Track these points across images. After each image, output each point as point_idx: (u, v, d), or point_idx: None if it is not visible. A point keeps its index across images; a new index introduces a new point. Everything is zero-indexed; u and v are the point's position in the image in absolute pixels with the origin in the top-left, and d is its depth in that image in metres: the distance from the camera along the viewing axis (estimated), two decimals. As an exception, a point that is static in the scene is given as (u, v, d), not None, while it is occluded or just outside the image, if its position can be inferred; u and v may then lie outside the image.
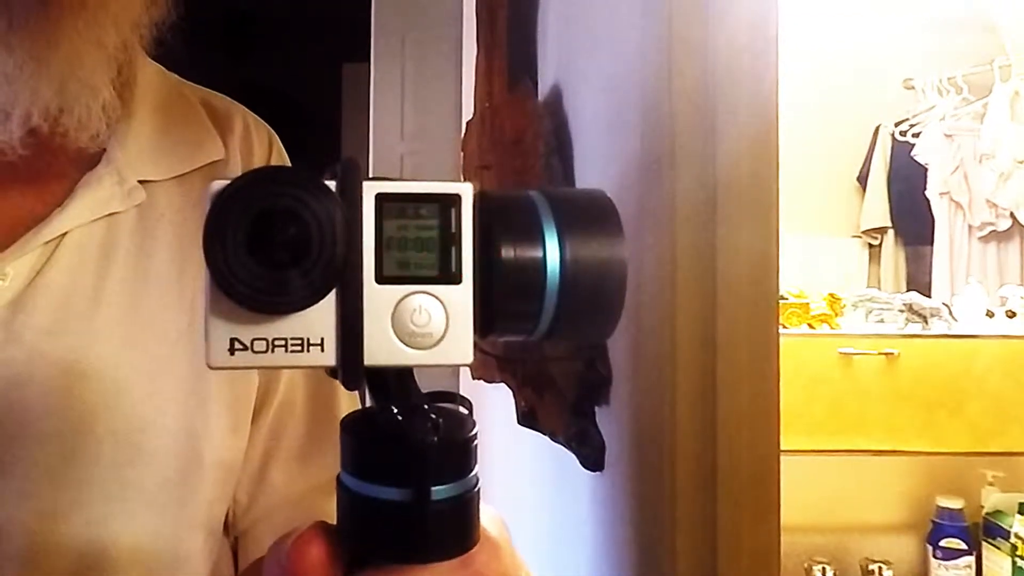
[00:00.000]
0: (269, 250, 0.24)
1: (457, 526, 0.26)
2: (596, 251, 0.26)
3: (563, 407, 1.08)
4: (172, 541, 0.48)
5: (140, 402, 0.47)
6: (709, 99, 0.86)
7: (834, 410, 1.48)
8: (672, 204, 0.87)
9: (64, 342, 0.45)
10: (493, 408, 1.37)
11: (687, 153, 0.87)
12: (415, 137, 2.05)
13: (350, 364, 0.25)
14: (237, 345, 0.24)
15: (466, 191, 0.25)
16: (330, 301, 0.25)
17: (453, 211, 0.25)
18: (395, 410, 0.26)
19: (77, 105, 0.44)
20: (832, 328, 1.60)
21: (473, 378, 1.43)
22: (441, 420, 0.26)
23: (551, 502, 1.19)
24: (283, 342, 0.25)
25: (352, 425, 0.27)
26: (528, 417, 1.21)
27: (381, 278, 0.25)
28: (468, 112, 1.62)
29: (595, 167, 1.08)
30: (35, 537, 0.44)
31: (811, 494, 1.47)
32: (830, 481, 1.53)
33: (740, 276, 0.86)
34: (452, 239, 0.25)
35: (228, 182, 0.24)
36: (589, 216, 0.27)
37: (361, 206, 0.25)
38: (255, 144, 0.56)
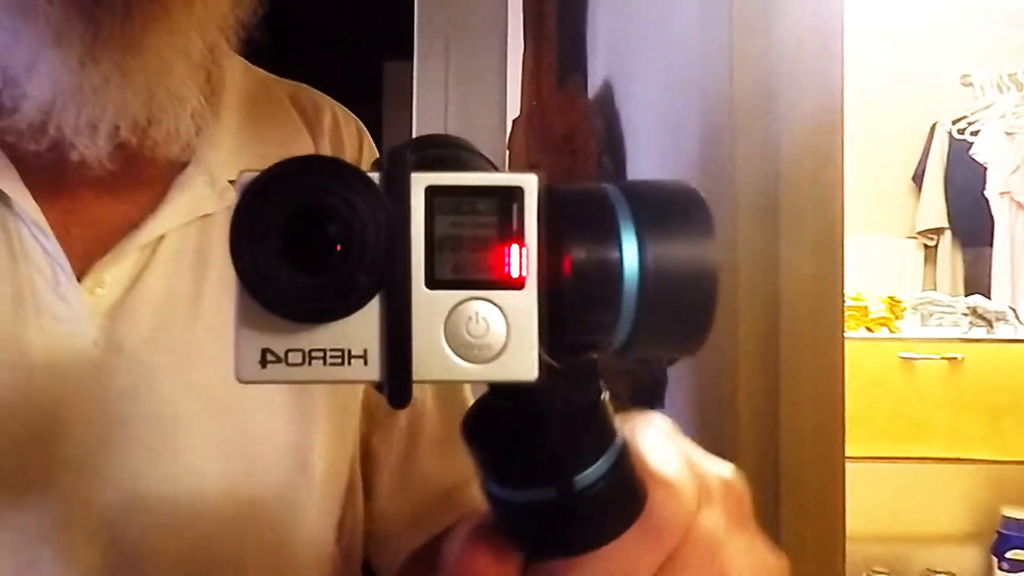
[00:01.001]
0: (305, 251, 0.21)
1: (616, 499, 0.24)
2: (682, 253, 0.23)
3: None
4: (285, 552, 0.47)
5: (247, 413, 0.46)
6: (772, 97, 0.84)
7: (895, 416, 1.44)
8: (734, 205, 0.85)
9: (166, 350, 0.45)
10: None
11: (748, 152, 0.85)
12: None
13: (397, 380, 0.22)
14: (270, 357, 0.22)
15: (530, 183, 0.22)
16: (374, 308, 0.22)
17: (515, 206, 0.22)
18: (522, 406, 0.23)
19: (165, 116, 0.44)
20: (892, 332, 1.56)
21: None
22: (565, 403, 0.23)
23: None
24: (321, 354, 0.22)
25: (477, 433, 0.25)
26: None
27: (432, 282, 0.22)
28: (513, 110, 1.61)
29: (650, 166, 1.07)
30: (144, 551, 0.43)
31: (871, 502, 1.43)
32: (891, 489, 1.50)
33: (804, 278, 0.84)
34: (514, 238, 0.22)
35: (258, 173, 0.21)
36: (674, 213, 0.24)
37: (409, 201, 0.22)
38: (344, 138, 0.56)
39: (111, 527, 0.43)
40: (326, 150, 0.54)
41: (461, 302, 0.22)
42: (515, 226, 0.22)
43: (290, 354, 0.22)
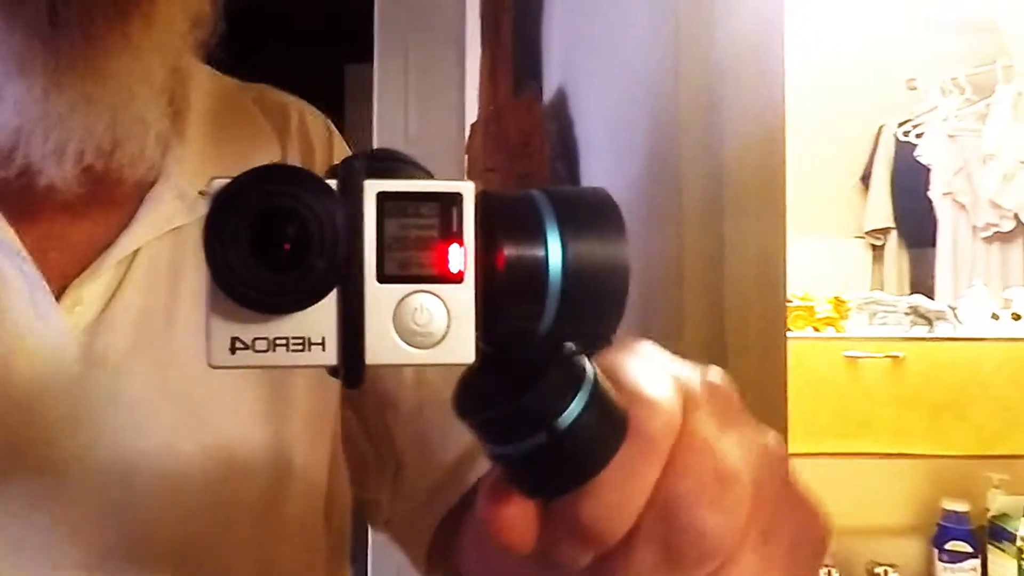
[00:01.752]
0: (269, 250, 0.24)
1: (601, 426, 0.26)
2: (598, 250, 0.26)
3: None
4: (267, 553, 0.48)
5: (225, 418, 0.47)
6: (716, 99, 0.87)
7: (840, 413, 1.49)
8: (679, 205, 0.88)
9: (146, 361, 0.46)
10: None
11: (694, 154, 0.88)
12: (419, 139, 2.06)
13: (351, 363, 0.25)
14: (238, 344, 0.25)
15: (467, 189, 0.25)
16: (331, 300, 0.25)
17: (455, 209, 0.25)
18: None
19: (130, 140, 0.45)
20: (837, 331, 1.61)
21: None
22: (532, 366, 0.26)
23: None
24: (284, 341, 0.25)
25: (467, 410, 0.27)
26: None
27: (382, 277, 0.25)
28: (472, 114, 1.63)
29: (601, 169, 1.09)
30: (130, 556, 0.45)
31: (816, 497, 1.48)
32: (836, 484, 1.54)
33: (748, 278, 0.87)
34: (454, 237, 0.25)
35: (228, 180, 0.24)
36: (591, 215, 0.27)
37: (362, 204, 0.25)
38: (313, 137, 0.57)
39: (94, 532, 0.44)
40: (295, 151, 0.55)
41: (408, 295, 0.25)
42: (455, 227, 0.25)
43: (257, 342, 0.24)
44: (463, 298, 0.25)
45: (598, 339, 0.28)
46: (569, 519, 0.25)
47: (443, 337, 0.25)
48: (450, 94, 1.94)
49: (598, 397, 0.26)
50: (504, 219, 0.26)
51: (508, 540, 0.26)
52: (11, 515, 0.44)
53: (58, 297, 0.46)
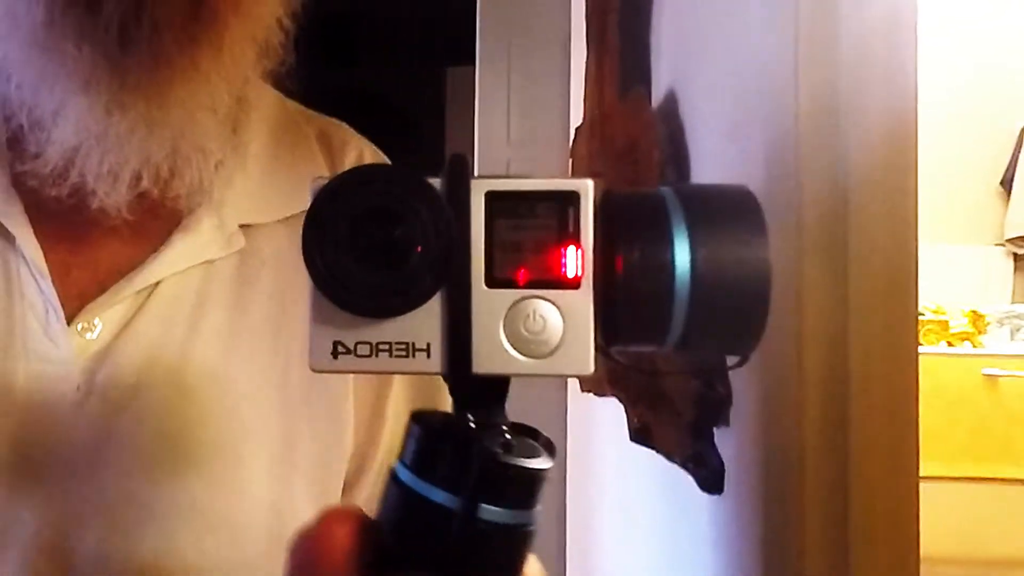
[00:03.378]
0: (370, 251, 0.23)
1: (500, 556, 0.25)
2: (734, 253, 0.25)
3: (679, 427, 1.06)
4: None
5: (227, 469, 0.46)
6: (840, 100, 0.83)
7: (978, 435, 1.39)
8: (799, 213, 0.85)
9: (148, 399, 0.45)
10: (603, 423, 1.37)
11: (815, 158, 0.84)
12: (521, 142, 2.07)
13: (458, 372, 0.24)
14: (340, 349, 0.24)
15: (585, 188, 0.25)
16: (437, 305, 0.24)
17: (571, 209, 0.24)
18: (471, 418, 0.25)
19: (189, 169, 0.44)
20: (975, 347, 1.52)
21: (582, 391, 1.43)
22: (514, 444, 0.25)
23: (666, 523, 1.18)
24: (387, 346, 0.24)
25: (423, 418, 0.26)
26: (641, 434, 1.20)
27: (492, 281, 0.24)
28: (576, 117, 1.62)
29: (714, 175, 1.07)
30: None
31: (951, 524, 1.39)
32: (972, 510, 1.45)
33: (875, 290, 0.83)
34: (570, 239, 0.24)
35: (328, 180, 0.24)
36: (726, 214, 0.25)
37: (469, 204, 0.24)
38: None
39: (83, 572, 0.44)
40: None
41: (519, 300, 0.24)
42: (571, 228, 0.24)
43: (359, 346, 0.24)
44: (580, 304, 0.24)
45: (736, 353, 0.26)
46: None
47: (558, 346, 0.24)
48: (553, 97, 1.94)
49: (525, 538, 0.25)
50: (626, 219, 0.25)
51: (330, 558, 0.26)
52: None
53: (72, 318, 0.45)
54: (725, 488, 0.98)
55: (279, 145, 0.52)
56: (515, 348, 0.24)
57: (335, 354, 0.24)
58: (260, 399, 0.47)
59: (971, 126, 2.28)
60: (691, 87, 1.14)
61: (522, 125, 2.04)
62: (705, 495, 1.00)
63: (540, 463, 0.26)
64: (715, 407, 1.00)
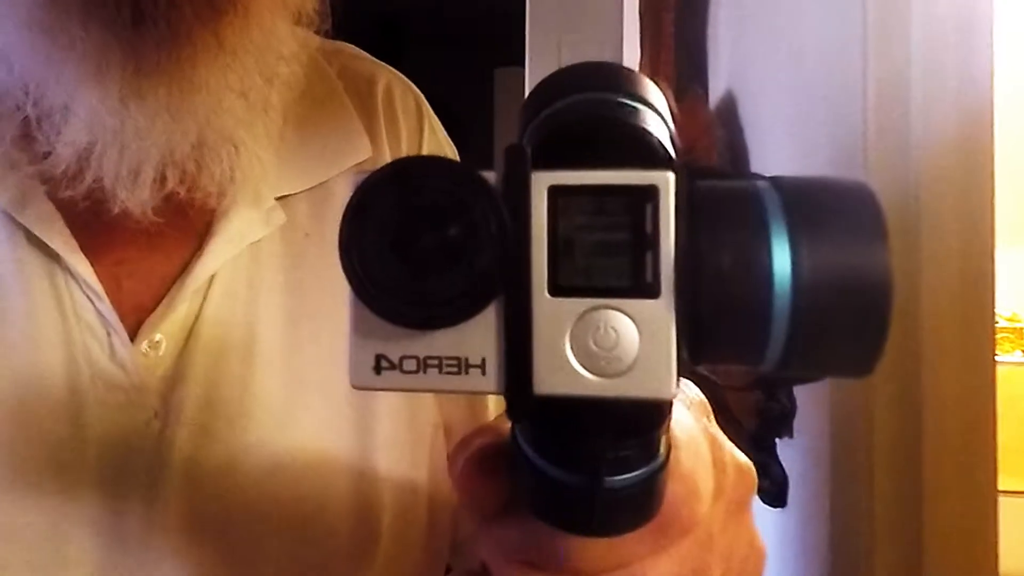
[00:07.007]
0: (415, 254, 0.21)
1: (638, 504, 0.25)
2: (845, 258, 0.21)
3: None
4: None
5: (307, 475, 0.44)
6: (911, 94, 0.82)
7: (1060, 450, 1.35)
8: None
9: (222, 415, 0.42)
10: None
11: (884, 163, 0.83)
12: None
13: (518, 391, 0.21)
14: (384, 364, 0.22)
15: (665, 181, 0.21)
16: (493, 316, 0.22)
17: (649, 206, 0.21)
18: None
19: (217, 162, 0.40)
20: (1055, 356, 1.47)
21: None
22: (629, 454, 0.24)
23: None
24: (437, 362, 0.22)
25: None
26: (700, 447, 1.20)
27: (556, 289, 0.21)
28: (630, 121, 1.61)
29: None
30: None
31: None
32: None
33: (949, 297, 0.82)
34: (647, 241, 0.21)
35: (368, 175, 0.21)
36: (836, 213, 0.21)
37: (529, 202, 0.21)
38: (399, 114, 0.52)
39: None
40: (380, 133, 0.50)
41: (588, 311, 0.21)
42: (649, 228, 0.21)
43: (404, 361, 0.22)
44: (659, 316, 0.21)
45: (851, 375, 0.22)
46: (551, 545, 0.25)
47: (633, 364, 0.21)
48: (607, 100, 1.93)
49: (655, 479, 0.25)
50: (714, 217, 0.21)
51: (478, 504, 0.26)
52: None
53: (133, 335, 0.42)
54: (788, 502, 0.97)
55: (310, 104, 0.48)
56: (583, 365, 0.21)
57: (378, 369, 0.22)
58: (329, 391, 0.45)
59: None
60: (750, 86, 1.13)
61: (572, 128, 2.03)
62: (767, 508, 0.99)
63: (656, 460, 0.25)
64: (778, 418, 0.99)
